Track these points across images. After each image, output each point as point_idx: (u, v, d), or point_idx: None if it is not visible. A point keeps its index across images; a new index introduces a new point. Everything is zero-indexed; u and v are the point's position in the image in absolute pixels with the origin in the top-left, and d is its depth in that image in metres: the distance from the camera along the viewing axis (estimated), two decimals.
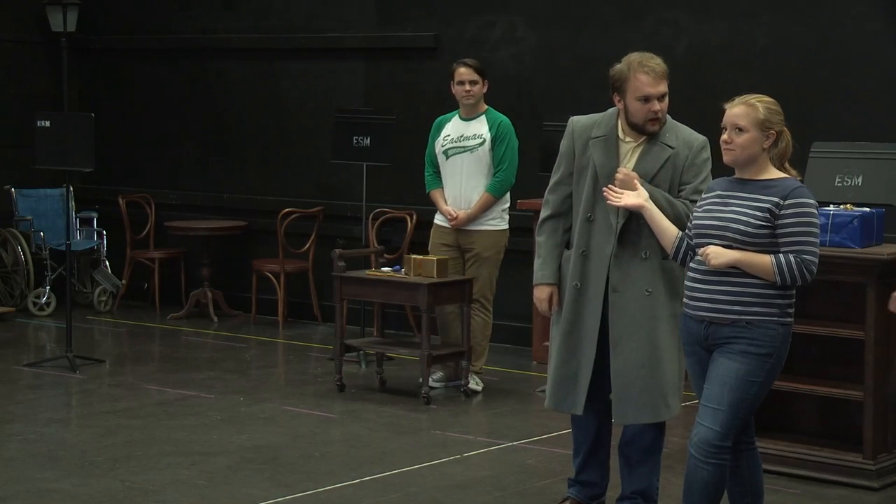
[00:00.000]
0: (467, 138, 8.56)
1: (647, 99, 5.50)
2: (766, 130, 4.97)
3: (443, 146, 8.62)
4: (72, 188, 10.77)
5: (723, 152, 5.02)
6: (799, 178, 5.08)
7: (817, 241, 4.95)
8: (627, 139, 5.62)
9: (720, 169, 5.39)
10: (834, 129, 8.33)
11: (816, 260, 4.93)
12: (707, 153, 5.62)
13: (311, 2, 11.17)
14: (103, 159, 10.12)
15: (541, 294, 5.77)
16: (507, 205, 8.66)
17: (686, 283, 5.10)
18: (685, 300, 5.10)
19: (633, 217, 5.49)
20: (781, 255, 4.89)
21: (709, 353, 5.05)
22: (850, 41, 8.86)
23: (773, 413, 6.64)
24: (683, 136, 5.61)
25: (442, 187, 8.64)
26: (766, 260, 4.89)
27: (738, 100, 5.02)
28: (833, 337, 6.58)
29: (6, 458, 6.95)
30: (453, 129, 8.63)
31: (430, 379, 8.39)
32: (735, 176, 5.09)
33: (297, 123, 11.24)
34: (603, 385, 5.65)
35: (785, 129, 5.04)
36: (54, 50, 11.86)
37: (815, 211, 4.96)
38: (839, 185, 6.78)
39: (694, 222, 5.09)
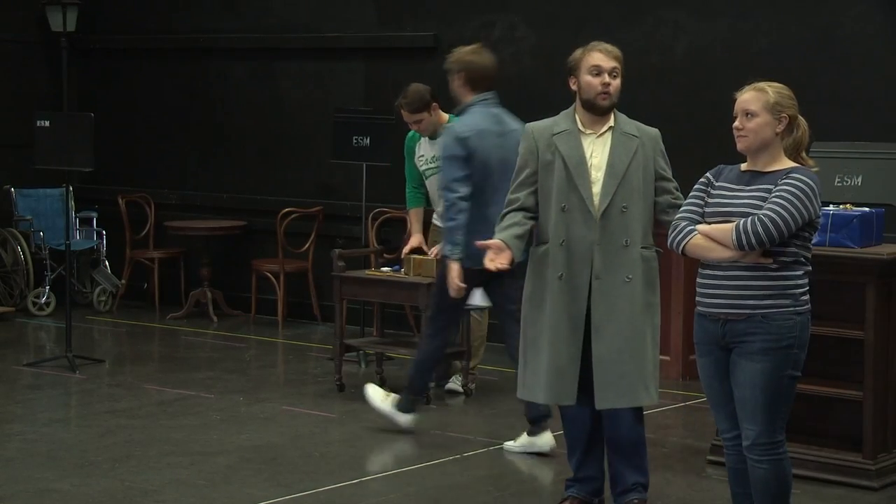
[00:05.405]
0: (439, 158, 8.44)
1: (598, 72, 5.68)
2: (777, 114, 4.90)
3: (420, 167, 8.43)
4: (71, 188, 10.76)
5: (736, 139, 4.97)
6: (816, 169, 4.99)
7: (792, 211, 4.78)
8: (588, 131, 5.72)
9: (718, 159, 5.35)
10: (834, 129, 8.32)
11: (777, 221, 4.76)
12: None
13: (311, 2, 11.17)
14: (103, 159, 10.12)
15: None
16: None
17: (699, 280, 5.03)
18: (699, 299, 5.03)
19: (614, 205, 5.60)
20: (743, 219, 4.81)
21: (726, 353, 4.98)
22: (849, 41, 8.86)
23: None
24: (641, 127, 5.80)
25: (421, 207, 8.51)
26: (729, 227, 4.84)
27: (747, 87, 4.98)
28: (832, 336, 6.56)
29: (6, 458, 6.94)
30: (425, 149, 8.36)
31: None
32: (746, 166, 5.01)
33: (296, 123, 11.24)
34: (592, 375, 5.69)
35: (800, 117, 4.97)
36: (54, 50, 11.83)
37: (805, 188, 4.81)
38: (839, 184, 6.78)
39: (709, 210, 4.97)
